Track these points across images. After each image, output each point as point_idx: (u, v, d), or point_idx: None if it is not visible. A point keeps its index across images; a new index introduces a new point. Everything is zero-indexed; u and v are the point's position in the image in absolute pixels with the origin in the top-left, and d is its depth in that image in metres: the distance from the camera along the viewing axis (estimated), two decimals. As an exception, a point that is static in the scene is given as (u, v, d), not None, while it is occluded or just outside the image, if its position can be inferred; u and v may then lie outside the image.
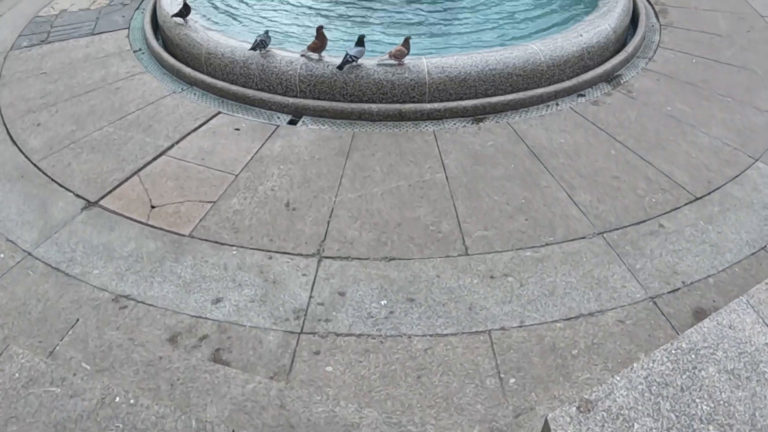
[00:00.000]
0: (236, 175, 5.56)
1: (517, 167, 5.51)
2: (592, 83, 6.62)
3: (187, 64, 6.99)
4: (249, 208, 5.21)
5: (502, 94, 6.13)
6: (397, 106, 5.96)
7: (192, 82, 6.84)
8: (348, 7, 7.65)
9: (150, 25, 7.88)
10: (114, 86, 6.98)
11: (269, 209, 5.19)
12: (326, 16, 7.55)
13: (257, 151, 5.81)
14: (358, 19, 7.34)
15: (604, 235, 4.91)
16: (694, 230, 4.97)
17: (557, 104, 6.33)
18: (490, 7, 7.54)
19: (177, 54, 7.21)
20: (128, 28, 8.30)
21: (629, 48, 7.13)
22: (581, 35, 6.59)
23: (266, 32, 6.32)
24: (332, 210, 5.14)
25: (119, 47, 7.82)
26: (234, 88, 6.45)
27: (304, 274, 4.63)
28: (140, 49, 7.75)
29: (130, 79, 7.11)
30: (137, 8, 8.81)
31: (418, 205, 5.14)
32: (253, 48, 6.27)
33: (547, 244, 4.82)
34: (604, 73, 6.71)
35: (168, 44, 7.42)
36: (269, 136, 5.99)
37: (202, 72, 6.80)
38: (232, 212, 5.19)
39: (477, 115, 6.06)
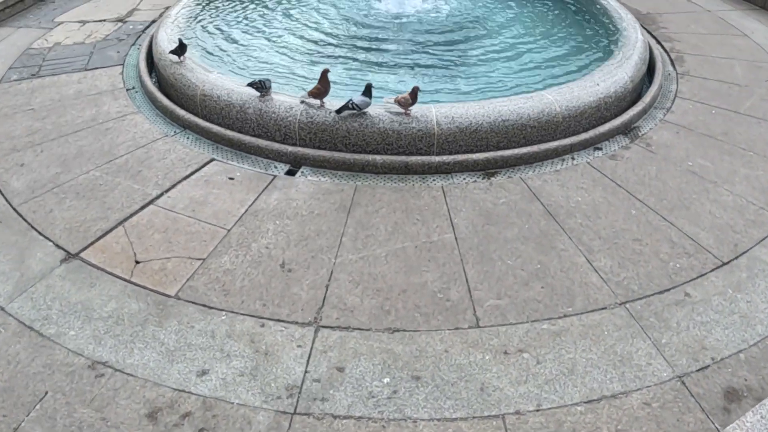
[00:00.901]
0: (228, 230, 5.21)
1: (532, 228, 5.17)
2: (609, 136, 6.31)
3: (182, 106, 6.67)
4: (241, 268, 4.84)
5: (515, 147, 5.81)
6: (403, 158, 5.63)
7: (186, 125, 6.52)
8: (355, 50, 7.36)
9: (145, 63, 7.59)
10: (104, 126, 6.67)
11: (263, 270, 4.82)
12: (331, 57, 7.26)
13: (252, 204, 5.46)
14: (366, 62, 7.05)
15: (627, 305, 4.55)
16: (722, 299, 4.62)
17: (573, 158, 6.01)
18: (502, 53, 7.27)
19: (171, 94, 6.90)
20: (123, 64, 8.01)
21: (647, 98, 6.84)
22: (598, 84, 6.29)
23: (267, 79, 6.02)
24: (331, 272, 4.77)
25: (112, 85, 7.52)
26: (229, 133, 6.13)
27: (299, 346, 4.25)
28: (134, 88, 7.45)
29: (121, 120, 6.79)
30: (133, 44, 8.54)
31: (425, 269, 4.78)
32: (251, 85, 5.95)
33: (565, 316, 4.45)
34: (621, 125, 6.40)
35: (163, 83, 7.11)
36: (265, 188, 5.65)
37: (196, 115, 6.48)
38: (222, 272, 4.83)
39: (488, 169, 5.73)
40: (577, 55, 7.27)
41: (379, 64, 6.99)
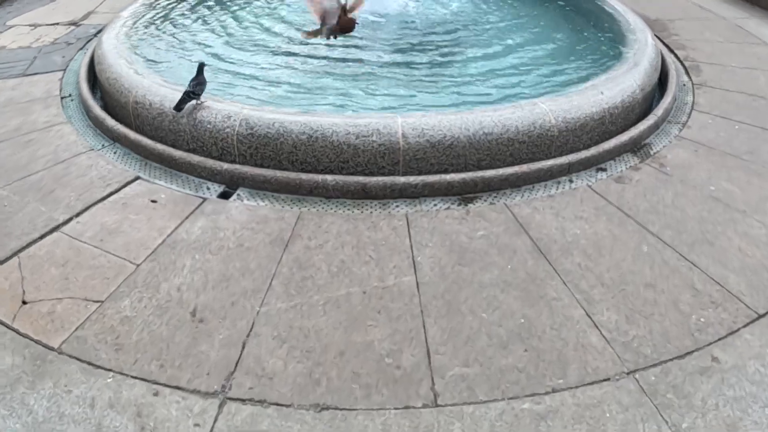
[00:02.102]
0: (137, 265, 4.08)
1: (517, 269, 3.99)
2: (615, 154, 5.14)
3: (115, 116, 5.58)
4: (142, 316, 3.71)
5: (499, 167, 4.65)
6: (361, 179, 4.48)
7: (115, 138, 5.42)
8: (324, 52, 6.26)
9: (86, 68, 6.50)
10: (26, 138, 5.58)
11: (169, 319, 3.69)
12: (298, 58, 6.17)
13: (171, 233, 4.33)
14: (333, 66, 5.96)
15: (637, 374, 3.39)
16: (759, 365, 3.46)
17: (571, 181, 4.84)
18: (494, 60, 6.10)
19: (107, 102, 5.81)
20: (65, 69, 6.94)
21: (659, 111, 5.67)
22: (602, 93, 5.13)
23: (197, 77, 4.89)
24: (252, 325, 3.62)
25: (47, 92, 6.44)
26: (159, 147, 5.01)
27: (196, 425, 3.11)
28: (69, 95, 6.37)
29: (46, 131, 5.69)
30: (82, 48, 7.47)
31: (373, 323, 3.61)
32: (178, 107, 4.86)
33: (554, 390, 3.28)
34: (629, 141, 5.23)
35: (101, 90, 6.02)
36: (191, 213, 4.51)
37: (129, 126, 5.38)
38: (119, 319, 3.71)
39: (466, 193, 4.56)
40: (580, 63, 6.11)
41: (348, 68, 5.87)
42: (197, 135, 4.86)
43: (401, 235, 4.22)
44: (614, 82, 5.37)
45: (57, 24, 8.28)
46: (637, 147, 5.36)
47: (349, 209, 4.49)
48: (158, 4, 7.33)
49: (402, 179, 4.48)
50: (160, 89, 5.18)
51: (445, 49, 6.18)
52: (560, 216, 4.47)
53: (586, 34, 6.74)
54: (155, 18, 7.04)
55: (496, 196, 4.62)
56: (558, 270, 4.00)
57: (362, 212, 4.44)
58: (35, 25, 8.30)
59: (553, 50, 6.33)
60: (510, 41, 6.48)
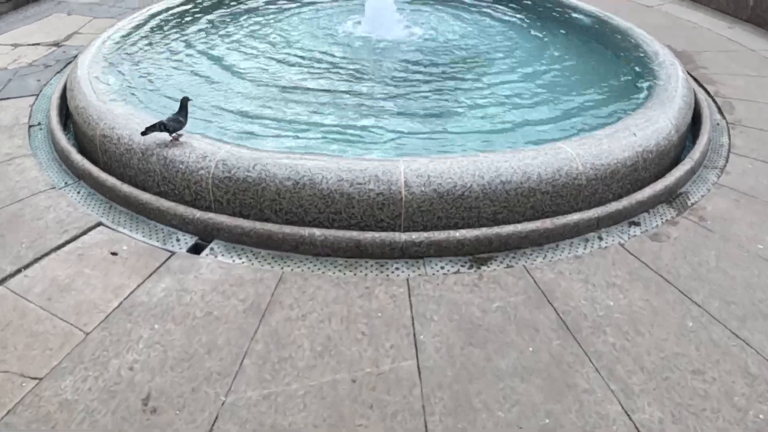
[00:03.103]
0: (87, 334, 3.39)
1: (539, 351, 3.27)
2: (649, 205, 4.44)
3: (84, 149, 4.93)
4: (85, 400, 3.02)
5: (518, 221, 3.96)
6: (355, 234, 3.78)
7: (80, 175, 4.75)
8: (320, 84, 5.56)
9: (60, 93, 5.84)
10: (-18, 173, 4.91)
11: (116, 406, 2.99)
12: (288, 91, 5.46)
13: (130, 295, 3.63)
14: (331, 100, 5.27)
15: (692, 497, 2.65)
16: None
17: (600, 238, 4.14)
18: (507, 94, 5.41)
19: (77, 134, 5.15)
20: (38, 94, 6.29)
21: (695, 154, 4.98)
22: (635, 134, 4.44)
23: (179, 113, 4.21)
24: (215, 420, 2.91)
25: (15, 119, 5.78)
26: (125, 188, 4.33)
27: None
28: (39, 124, 5.71)
29: (6, 164, 5.03)
30: (60, 71, 6.82)
31: (364, 422, 2.89)
32: (144, 132, 4.18)
33: None
34: (665, 190, 4.54)
35: (72, 120, 5.36)
36: (155, 270, 3.81)
37: (96, 161, 4.72)
38: (58, 403, 3.02)
39: (478, 253, 3.86)
40: (605, 97, 5.43)
41: (343, 101, 5.19)
42: (168, 176, 4.18)
43: (401, 305, 3.50)
44: (647, 121, 4.68)
45: (38, 44, 7.64)
46: (672, 197, 4.66)
47: (339, 270, 3.77)
48: (144, 25, 6.68)
49: (403, 236, 3.78)
50: (129, 121, 4.51)
51: (453, 81, 5.51)
52: (590, 283, 3.75)
53: (609, 64, 6.07)
54: (139, 40, 6.39)
55: (513, 257, 3.91)
56: (589, 352, 3.28)
57: (355, 275, 3.73)
58: (16, 45, 7.67)
59: (575, 83, 5.65)
60: (525, 72, 5.80)
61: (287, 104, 5.13)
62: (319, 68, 5.78)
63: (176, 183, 4.16)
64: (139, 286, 3.70)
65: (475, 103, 5.09)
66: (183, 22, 6.84)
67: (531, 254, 3.95)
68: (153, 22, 6.77)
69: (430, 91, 5.33)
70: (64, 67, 6.92)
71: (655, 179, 4.67)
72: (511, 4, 7.53)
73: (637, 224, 4.36)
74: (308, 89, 5.39)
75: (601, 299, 3.64)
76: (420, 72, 5.74)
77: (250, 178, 3.89)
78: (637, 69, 5.81)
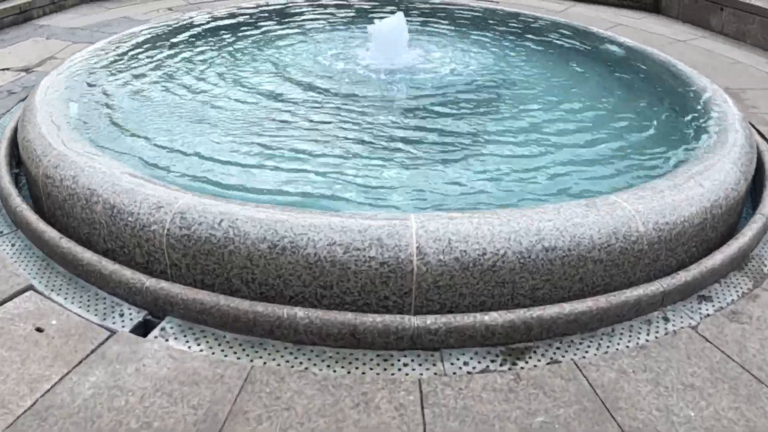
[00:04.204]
0: (-23, 452, 2.38)
1: (608, 501, 2.25)
2: (720, 274, 3.46)
3: (30, 192, 3.98)
4: None
5: (563, 299, 2.96)
6: (350, 317, 2.78)
7: (18, 223, 3.79)
8: (321, 123, 4.48)
9: (15, 123, 4.89)
10: None
11: None
12: (281, 129, 4.46)
13: (49, 390, 2.65)
14: (337, 140, 4.23)
15: None
16: None
17: (666, 318, 3.14)
18: (537, 134, 4.41)
19: (25, 172, 4.20)
20: (-8, 126, 5.35)
21: (765, 208, 3.99)
22: (701, 185, 3.47)
23: None
24: None
25: (-41, 153, 4.82)
26: (65, 244, 3.36)
27: None
28: (-17, 160, 4.74)
29: (-65, 207, 4.07)
30: (24, 98, 5.88)
31: None
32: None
33: None
34: (738, 254, 3.56)
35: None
36: (87, 357, 2.82)
37: (40, 208, 3.78)
38: None
39: (513, 342, 2.86)
40: (651, 138, 4.46)
41: (340, 139, 4.20)
42: (116, 231, 3.21)
43: (410, 420, 2.47)
44: (710, 168, 3.71)
45: (7, 69, 6.74)
46: (744, 262, 3.68)
47: (328, 366, 2.76)
48: (119, 50, 5.75)
49: (415, 320, 2.77)
50: (75, 160, 3.56)
51: (476, 118, 4.53)
52: (661, 385, 2.74)
53: (652, 100, 5.11)
54: (110, 66, 5.44)
55: (559, 347, 2.90)
56: (677, 498, 2.26)
57: (349, 373, 2.71)
58: (-18, 71, 6.78)
59: (615, 122, 4.67)
60: (558, 108, 4.83)
61: (273, 141, 4.16)
62: (314, 101, 4.80)
63: (125, 239, 3.19)
64: (62, 378, 2.70)
65: (503, 144, 4.10)
66: (165, 48, 5.91)
67: (581, 343, 2.94)
68: (129, 47, 5.83)
69: (448, 129, 4.31)
70: (27, 96, 6.01)
71: (722, 240, 3.70)
72: (536, 36, 6.58)
73: (709, 299, 3.36)
74: (299, 125, 4.41)
75: (678, 409, 2.63)
76: (436, 107, 4.74)
77: (215, 238, 2.92)
78: (683, 106, 4.87)
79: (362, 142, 4.10)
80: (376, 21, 5.72)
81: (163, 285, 3.03)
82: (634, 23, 8.50)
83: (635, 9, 9.11)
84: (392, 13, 5.78)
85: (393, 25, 5.48)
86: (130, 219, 3.15)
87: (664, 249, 3.23)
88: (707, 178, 3.59)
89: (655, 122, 4.65)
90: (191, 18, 6.73)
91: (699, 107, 4.76)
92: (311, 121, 4.44)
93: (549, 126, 4.42)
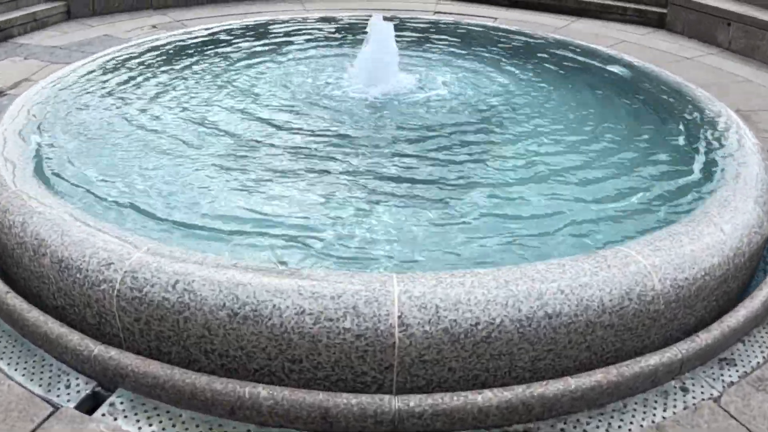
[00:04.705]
0: None
1: None
2: (742, 332, 3.07)
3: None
4: None
5: (569, 371, 2.56)
6: (321, 397, 2.38)
7: (-36, 272, 3.39)
8: (297, 158, 4.01)
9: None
10: None
11: None
12: (252, 167, 4.02)
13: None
14: (313, 177, 3.79)
15: None
16: None
17: (684, 389, 2.75)
18: (533, 162, 4.00)
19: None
20: (-42, 155, 4.96)
21: (785, 252, 3.61)
22: (722, 230, 3.08)
23: None
24: None
25: None
26: (10, 300, 2.99)
27: None
28: (-56, 194, 4.35)
29: None
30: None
31: None
32: None
33: None
34: (762, 307, 3.16)
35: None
36: (18, 443, 2.43)
37: (-10, 255, 3.38)
38: None
39: (510, 424, 2.45)
40: (662, 172, 4.03)
41: (314, 183, 3.73)
42: (65, 287, 2.82)
43: None
44: (730, 208, 3.32)
45: (-20, 93, 6.39)
46: (765, 318, 3.28)
47: (296, 457, 2.37)
48: (87, 74, 5.29)
49: (396, 401, 2.37)
50: (25, 203, 3.18)
51: (470, 153, 4.06)
52: (684, 476, 2.34)
53: (661, 127, 4.70)
54: (83, 90, 5.04)
55: (563, 429, 2.49)
56: None
57: (320, 467, 2.33)
58: (-45, 94, 6.41)
59: (622, 153, 4.22)
60: (561, 139, 4.37)
61: (243, 181, 3.73)
62: (290, 134, 4.35)
63: (74, 298, 2.81)
64: (-15, 472, 2.32)
65: (500, 185, 3.66)
66: (137, 73, 5.46)
67: (588, 423, 2.54)
68: (100, 72, 5.39)
69: (439, 168, 3.84)
70: None
71: (743, 287, 3.31)
72: (536, 56, 6.13)
73: (731, 362, 2.96)
74: (272, 163, 3.93)
75: (705, 507, 2.23)
76: (427, 141, 4.26)
77: (168, 303, 2.53)
78: (696, 134, 4.47)
79: (342, 183, 3.67)
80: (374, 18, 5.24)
81: (113, 354, 2.64)
82: (638, 39, 8.12)
83: (639, 24, 8.73)
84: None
85: (385, 33, 5.04)
86: (78, 276, 2.76)
87: (682, 307, 2.83)
88: (728, 221, 3.20)
89: (666, 154, 4.25)
90: (169, 39, 6.33)
91: (713, 136, 4.37)
92: (285, 157, 4.01)
93: (551, 161, 4.00)
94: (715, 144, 4.22)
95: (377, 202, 3.48)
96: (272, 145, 4.17)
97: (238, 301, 2.44)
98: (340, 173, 3.82)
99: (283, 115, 4.66)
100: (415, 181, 3.75)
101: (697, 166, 3.99)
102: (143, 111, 4.71)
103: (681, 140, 4.40)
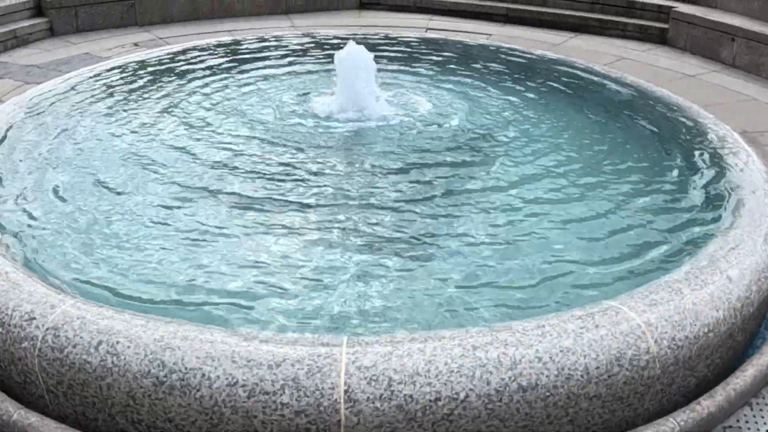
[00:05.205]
0: None
1: None
2: (749, 394, 2.70)
3: None
4: None
5: (547, 451, 2.20)
6: (256, 484, 2.03)
7: None
8: (260, 200, 3.59)
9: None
10: None
11: None
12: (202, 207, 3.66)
13: None
14: (275, 220, 3.41)
15: None
16: None
17: (685, 466, 2.37)
18: (515, 200, 3.60)
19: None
20: None
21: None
22: (728, 276, 2.72)
23: None
24: None
25: None
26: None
27: None
28: None
29: None
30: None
31: None
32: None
33: None
34: (771, 365, 2.79)
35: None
36: None
37: None
38: None
39: None
40: (658, 206, 3.66)
41: (287, 229, 3.34)
42: (-13, 345, 2.49)
43: None
44: (737, 249, 2.96)
45: (-47, 114, 6.09)
46: (776, 374, 2.91)
47: None
48: (51, 98, 4.92)
49: (342, 493, 2.02)
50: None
51: (449, 190, 3.64)
52: None
53: (663, 156, 4.33)
54: (34, 119, 4.65)
55: None
56: None
57: None
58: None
59: (619, 185, 3.86)
60: (551, 173, 3.93)
61: (192, 222, 3.34)
62: (253, 165, 3.92)
63: (2, 361, 2.48)
64: None
65: (477, 229, 3.22)
66: (104, 96, 5.05)
67: None
68: (65, 95, 5.01)
69: (413, 209, 3.40)
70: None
71: (749, 343, 2.96)
72: (529, 76, 5.71)
73: (738, 430, 2.60)
74: (229, 199, 3.52)
75: None
76: (403, 176, 3.80)
77: (90, 366, 2.19)
78: (700, 163, 4.09)
79: (298, 228, 3.28)
80: (341, 50, 4.83)
81: (33, 420, 2.30)
82: (638, 56, 7.77)
83: (640, 40, 8.37)
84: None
85: (359, 59, 4.65)
86: (1, 330, 2.43)
87: (681, 369, 2.47)
88: (735, 265, 2.84)
89: (665, 187, 3.86)
90: (146, 58, 6.00)
91: (717, 164, 4.00)
92: (243, 194, 3.60)
93: (539, 198, 3.60)
94: (720, 174, 3.86)
95: (340, 255, 3.08)
96: (219, 192, 3.68)
97: (164, 368, 2.09)
98: (297, 211, 3.44)
99: (242, 150, 4.19)
100: (383, 223, 3.37)
101: (700, 200, 3.63)
102: (80, 151, 4.23)
103: (682, 170, 4.02)
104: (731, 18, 7.88)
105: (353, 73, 4.59)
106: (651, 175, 4.00)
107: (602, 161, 4.17)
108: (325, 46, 6.39)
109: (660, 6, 8.50)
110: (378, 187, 3.75)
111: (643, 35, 8.41)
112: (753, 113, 6.23)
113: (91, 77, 5.43)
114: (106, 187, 3.74)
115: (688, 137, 4.44)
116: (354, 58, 4.65)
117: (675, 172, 4.01)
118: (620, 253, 3.12)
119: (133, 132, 4.50)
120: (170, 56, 5.99)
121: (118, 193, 3.68)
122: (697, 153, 4.17)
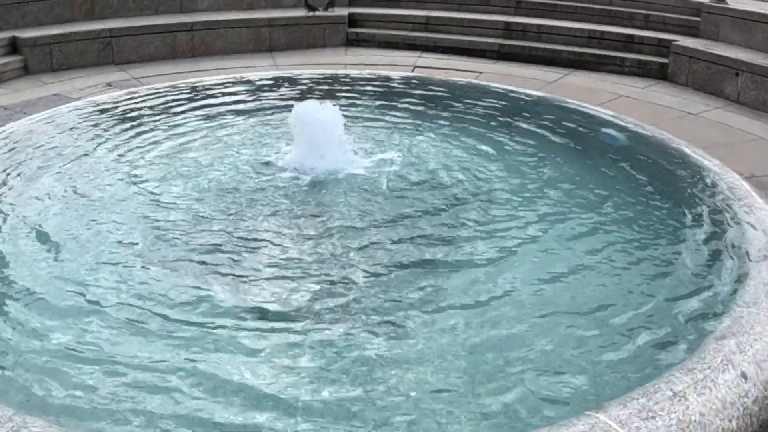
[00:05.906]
0: None
1: None
2: None
3: None
4: None
5: None
6: None
7: None
8: (222, 265, 3.13)
9: None
10: None
11: None
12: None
13: None
14: (233, 292, 2.94)
15: None
16: None
17: None
18: (493, 269, 3.08)
19: None
20: None
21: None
22: (743, 374, 2.22)
23: None
24: None
25: None
26: None
27: None
28: None
29: None
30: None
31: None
32: None
33: None
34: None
35: None
36: None
37: None
38: None
39: None
40: (654, 277, 3.12)
41: (243, 310, 2.83)
42: None
43: None
44: (752, 333, 2.47)
45: None
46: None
47: None
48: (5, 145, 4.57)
49: None
50: None
51: (423, 261, 3.12)
52: None
53: (663, 215, 3.79)
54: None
55: None
56: None
57: None
58: None
59: (612, 254, 3.29)
60: (537, 239, 3.38)
61: (135, 299, 2.90)
62: (204, 228, 3.52)
63: None
64: None
65: (451, 298, 2.78)
66: (57, 145, 4.56)
67: None
68: (20, 144, 4.64)
69: (383, 285, 2.92)
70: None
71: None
72: (520, 121, 5.19)
73: None
74: (177, 271, 3.07)
75: None
76: (373, 243, 3.27)
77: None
78: (704, 221, 3.58)
79: (255, 310, 2.81)
80: (298, 105, 4.38)
81: None
82: (637, 94, 7.31)
83: (639, 76, 7.93)
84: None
85: (322, 115, 4.20)
86: None
87: (688, 503, 1.95)
88: (750, 357, 2.33)
89: (665, 253, 3.30)
90: (112, 102, 5.59)
91: (724, 221, 3.51)
92: (197, 261, 3.16)
93: (522, 268, 3.08)
94: (729, 235, 3.36)
95: (294, 332, 2.61)
96: (174, 252, 3.24)
97: None
98: (255, 285, 2.96)
99: (198, 208, 3.75)
100: (349, 305, 2.86)
101: (705, 269, 3.11)
102: (50, 196, 3.85)
103: (685, 232, 3.51)
104: (735, 51, 7.45)
105: (313, 127, 4.12)
106: (647, 238, 3.50)
107: (592, 220, 3.66)
108: (302, 89, 5.96)
109: (660, 40, 8.08)
110: (343, 243, 3.32)
111: (642, 70, 7.97)
112: (760, 154, 5.75)
113: (47, 122, 5.00)
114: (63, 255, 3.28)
115: (691, 189, 3.96)
116: (312, 113, 4.19)
117: (675, 235, 3.51)
118: (607, 338, 2.61)
119: (101, 184, 4.07)
120: (136, 99, 5.57)
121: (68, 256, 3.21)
122: (701, 209, 3.68)
